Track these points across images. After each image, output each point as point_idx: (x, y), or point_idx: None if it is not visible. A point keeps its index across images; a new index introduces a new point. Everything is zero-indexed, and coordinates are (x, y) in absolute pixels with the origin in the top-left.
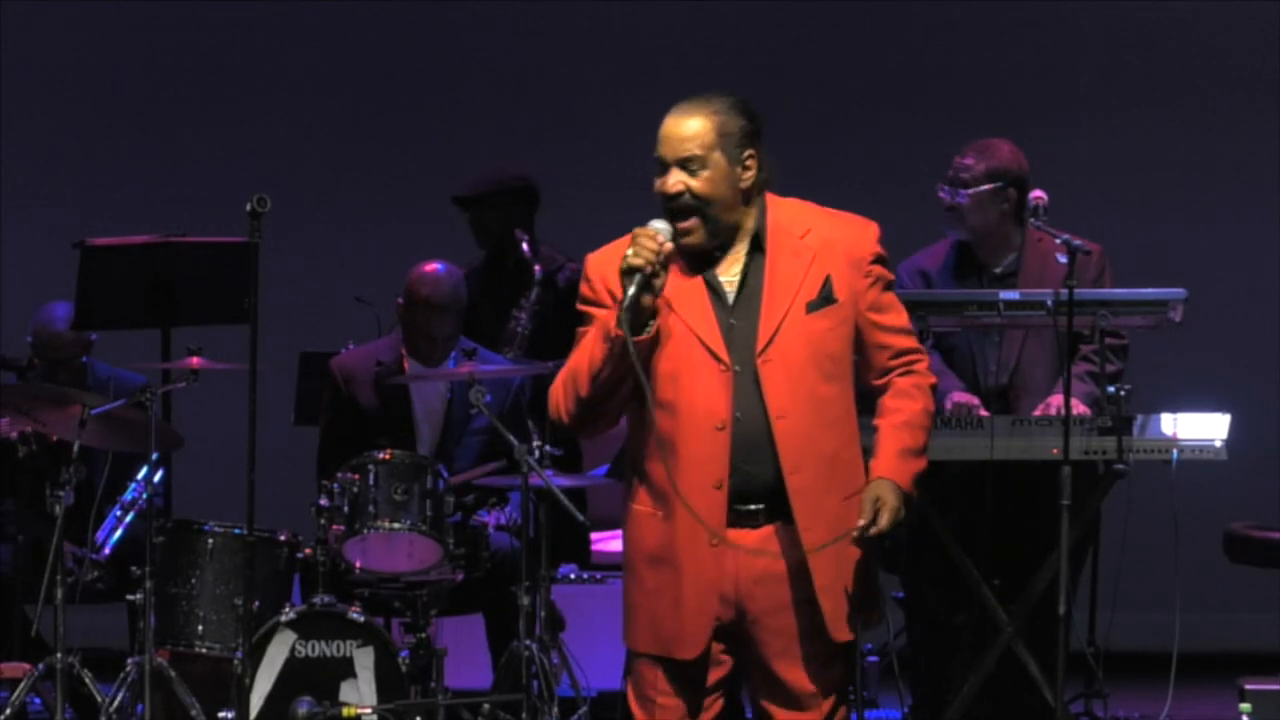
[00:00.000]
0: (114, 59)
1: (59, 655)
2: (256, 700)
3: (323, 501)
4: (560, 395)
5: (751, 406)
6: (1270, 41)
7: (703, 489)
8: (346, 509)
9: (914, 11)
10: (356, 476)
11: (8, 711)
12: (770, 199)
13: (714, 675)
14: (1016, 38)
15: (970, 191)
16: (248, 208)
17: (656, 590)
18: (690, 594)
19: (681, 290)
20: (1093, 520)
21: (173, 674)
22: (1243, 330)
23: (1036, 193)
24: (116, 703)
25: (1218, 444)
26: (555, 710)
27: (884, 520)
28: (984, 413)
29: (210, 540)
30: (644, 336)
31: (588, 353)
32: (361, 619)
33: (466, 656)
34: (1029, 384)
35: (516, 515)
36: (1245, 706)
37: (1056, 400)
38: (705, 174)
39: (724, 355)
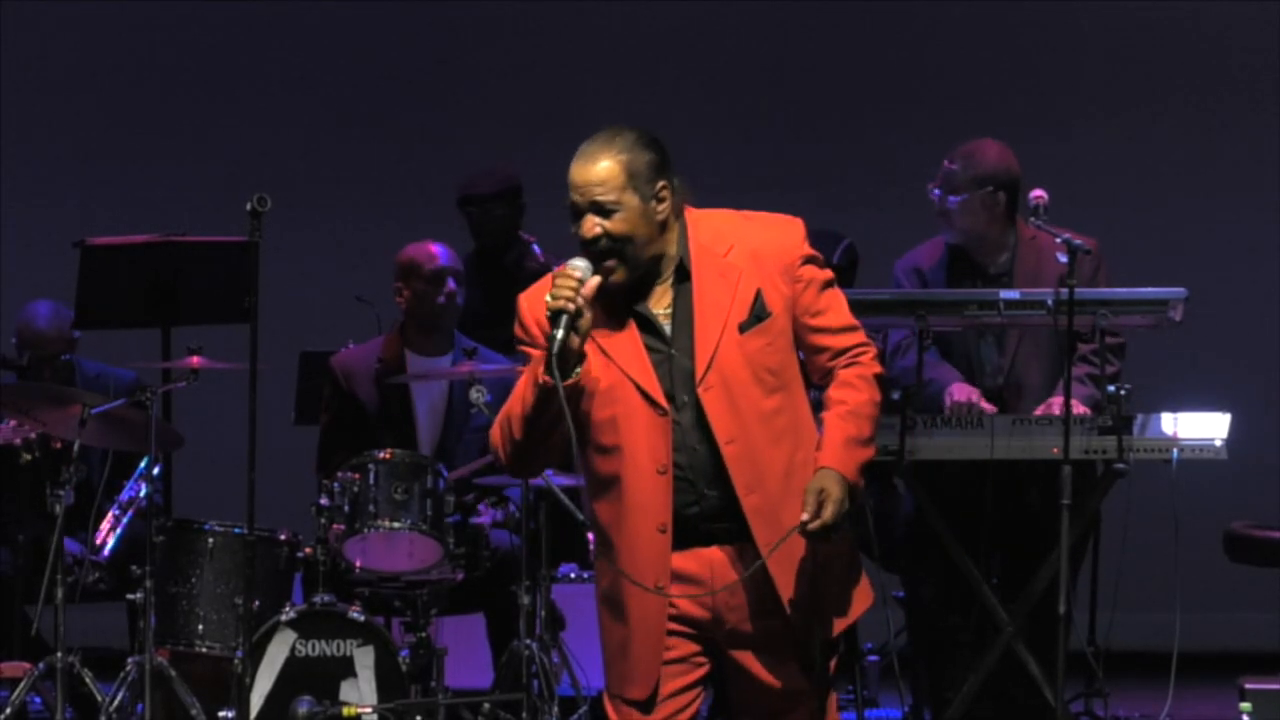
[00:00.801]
0: (114, 59)
1: (59, 654)
2: (257, 700)
3: (323, 501)
4: (498, 436)
5: (702, 437)
6: (1270, 41)
7: (648, 533)
8: (347, 508)
9: (914, 12)
10: (357, 476)
11: (8, 711)
12: (690, 216)
13: (693, 676)
14: (1017, 38)
15: (959, 198)
16: (248, 207)
17: (611, 630)
18: (637, 637)
19: (613, 332)
20: (1091, 520)
21: (173, 673)
22: (1243, 330)
23: (1037, 192)
24: (117, 702)
25: (1218, 443)
26: (555, 709)
27: (827, 513)
28: (986, 405)
29: (210, 540)
30: (570, 380)
31: (520, 396)
32: (362, 618)
33: (467, 656)
34: (1025, 385)
35: (516, 513)
36: (1245, 706)
37: (1058, 401)
38: (620, 215)
39: (659, 397)
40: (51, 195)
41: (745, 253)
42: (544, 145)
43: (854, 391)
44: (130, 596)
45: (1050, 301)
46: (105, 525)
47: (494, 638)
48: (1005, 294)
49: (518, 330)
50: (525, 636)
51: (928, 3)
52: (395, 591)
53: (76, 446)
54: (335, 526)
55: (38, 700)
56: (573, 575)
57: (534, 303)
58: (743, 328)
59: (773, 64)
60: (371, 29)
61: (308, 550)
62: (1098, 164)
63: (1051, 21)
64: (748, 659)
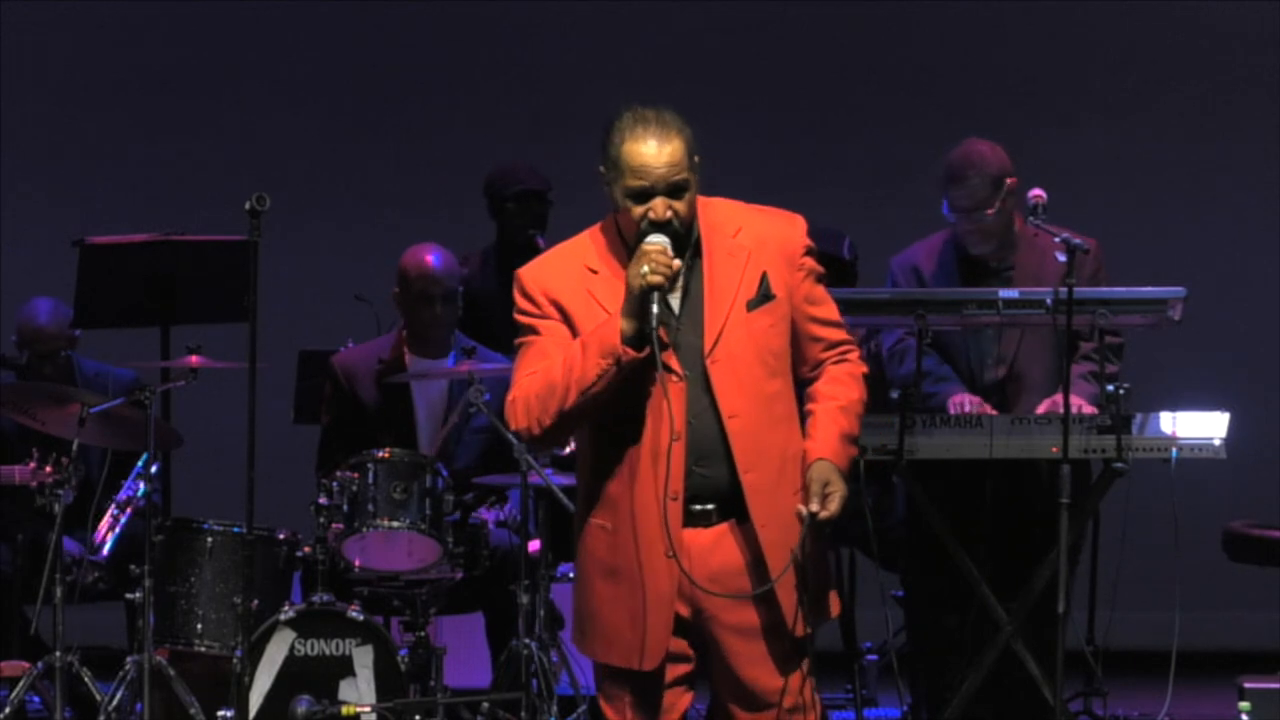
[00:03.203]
0: (114, 59)
1: (58, 654)
2: (256, 699)
3: (322, 500)
4: (533, 408)
5: (703, 409)
6: (1270, 41)
7: (657, 500)
8: (346, 507)
9: (914, 12)
10: (356, 475)
11: (7, 710)
12: (699, 201)
13: (676, 672)
14: (1017, 38)
15: (992, 211)
16: (247, 206)
17: (613, 601)
18: (649, 605)
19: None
20: (1089, 519)
21: (172, 673)
22: (1243, 329)
23: (1035, 191)
24: (115, 701)
25: (1217, 442)
26: (554, 709)
27: (834, 505)
28: (989, 409)
29: (209, 539)
30: (645, 353)
31: (572, 367)
32: (361, 617)
33: (465, 655)
34: (1027, 381)
35: (516, 512)
36: (1244, 705)
37: (1059, 398)
38: (687, 195)
39: (675, 365)
40: (51, 195)
41: (752, 236)
42: (544, 145)
43: (846, 389)
44: (129, 596)
45: (1049, 301)
46: (104, 524)
47: (493, 637)
48: (1004, 293)
49: (522, 303)
50: (524, 636)
51: (928, 3)
52: (394, 591)
53: (75, 446)
54: (334, 526)
55: (36, 700)
56: (571, 575)
57: (542, 276)
58: (750, 305)
59: (776, 64)
60: (372, 29)
61: (307, 549)
62: (1097, 163)
63: (1052, 22)
64: (728, 651)
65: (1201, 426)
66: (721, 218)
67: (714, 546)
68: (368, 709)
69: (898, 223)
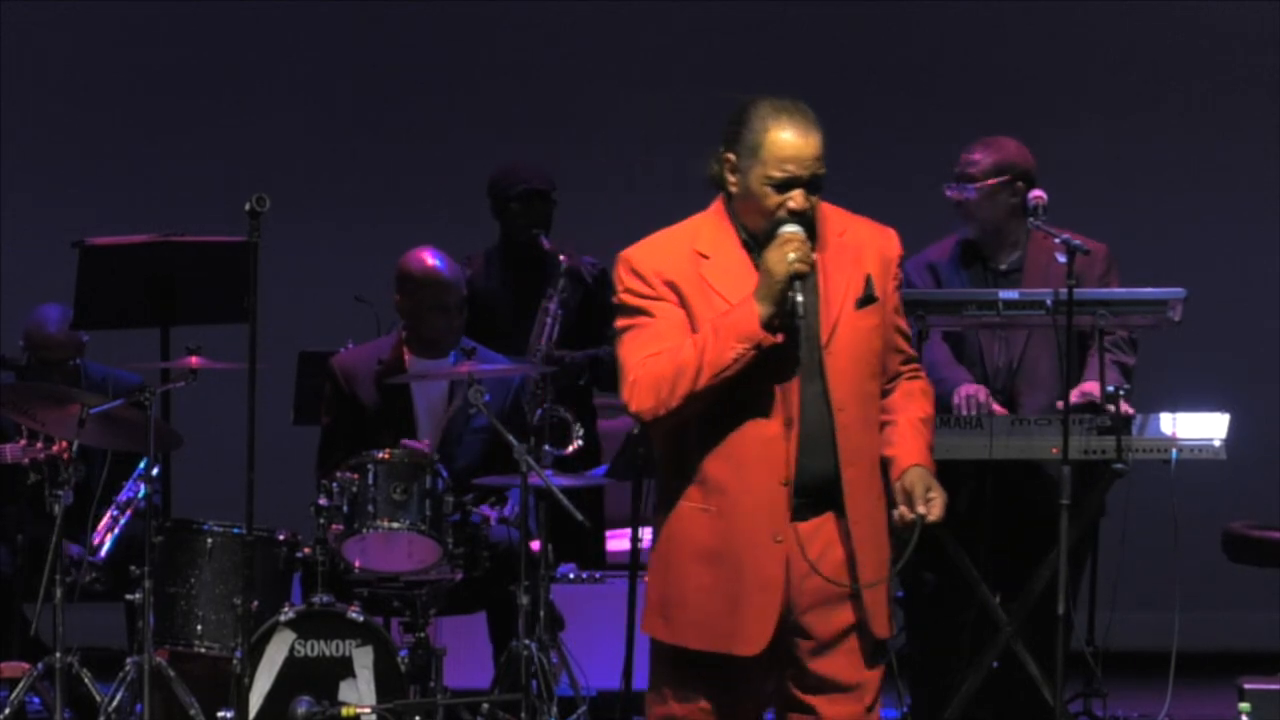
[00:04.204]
0: (113, 59)
1: (58, 655)
2: (255, 700)
3: (322, 501)
4: (661, 391)
5: (814, 399)
6: (1270, 41)
7: (770, 486)
8: (346, 508)
9: (914, 12)
10: (355, 476)
11: (7, 711)
12: None
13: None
14: (1017, 38)
15: (978, 185)
16: (247, 208)
17: (711, 587)
18: (751, 590)
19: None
20: (1092, 520)
21: (172, 673)
22: (1243, 330)
23: (1036, 192)
24: (115, 702)
25: (1217, 443)
26: (554, 710)
27: (938, 510)
28: (997, 407)
29: (209, 540)
30: (780, 338)
31: (704, 350)
32: (361, 618)
33: (465, 656)
34: (1034, 378)
35: (517, 510)
36: (1244, 706)
37: (1088, 387)
38: (820, 189)
39: (797, 351)
40: (51, 195)
41: (856, 239)
42: (545, 145)
43: (923, 404)
44: (129, 597)
45: (1049, 302)
46: (103, 526)
47: (496, 637)
48: (1004, 294)
49: (634, 283)
50: (524, 637)
51: (928, 3)
52: (394, 591)
53: (75, 447)
54: (334, 526)
55: (36, 700)
56: (571, 575)
57: (654, 258)
58: (858, 304)
59: (777, 64)
60: (371, 28)
61: (306, 550)
62: (1097, 163)
63: (1052, 22)
64: (813, 646)
65: (1201, 427)
66: (827, 218)
67: (813, 537)
68: (368, 710)
69: (898, 223)
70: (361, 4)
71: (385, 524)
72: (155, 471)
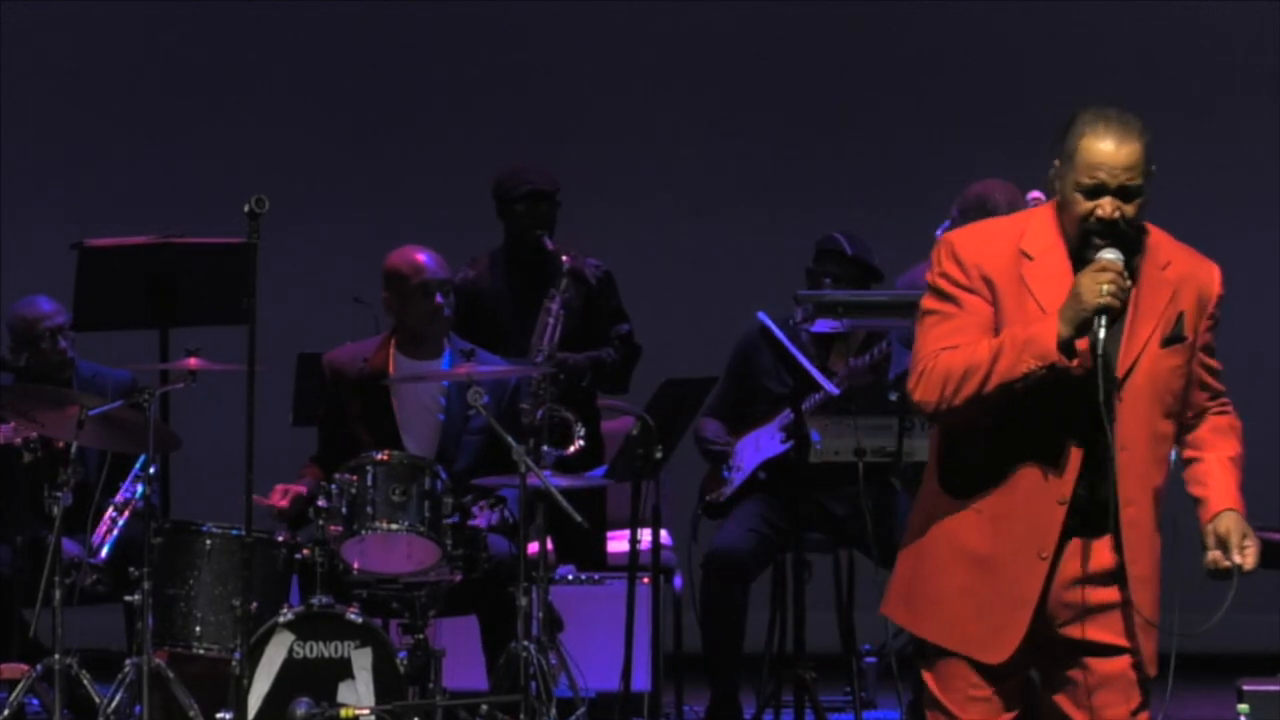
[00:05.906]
0: (113, 59)
1: (57, 656)
2: (254, 701)
3: (321, 502)
4: (949, 386)
5: (1103, 431)
6: (1270, 41)
7: (1047, 503)
8: (345, 510)
9: (914, 12)
10: (355, 477)
11: (6, 712)
12: None
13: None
14: (1017, 38)
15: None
16: (246, 209)
17: (965, 589)
18: (1005, 603)
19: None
20: None
21: (171, 675)
22: (1243, 330)
23: (1035, 194)
24: (114, 704)
25: None
26: (553, 711)
27: (1253, 558)
28: None
29: (208, 541)
30: (1074, 364)
31: (999, 357)
32: (359, 620)
33: (464, 657)
34: None
35: (511, 514)
36: (1243, 707)
37: None
38: (1138, 201)
39: (1099, 377)
40: (51, 195)
41: (1179, 273)
42: (545, 146)
43: (1233, 442)
44: (128, 598)
45: None
46: (102, 527)
47: (487, 641)
48: None
49: (952, 269)
50: (523, 638)
51: (928, 3)
52: (393, 593)
53: (74, 448)
54: (333, 528)
55: (35, 702)
56: (570, 577)
57: (978, 247)
58: (1165, 342)
59: (774, 64)
60: (372, 29)
61: (305, 552)
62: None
63: (1052, 22)
64: (1092, 666)
65: None
66: (1153, 246)
67: (1080, 558)
68: (366, 711)
69: (898, 223)
70: (361, 4)
71: (384, 525)
72: (153, 472)
